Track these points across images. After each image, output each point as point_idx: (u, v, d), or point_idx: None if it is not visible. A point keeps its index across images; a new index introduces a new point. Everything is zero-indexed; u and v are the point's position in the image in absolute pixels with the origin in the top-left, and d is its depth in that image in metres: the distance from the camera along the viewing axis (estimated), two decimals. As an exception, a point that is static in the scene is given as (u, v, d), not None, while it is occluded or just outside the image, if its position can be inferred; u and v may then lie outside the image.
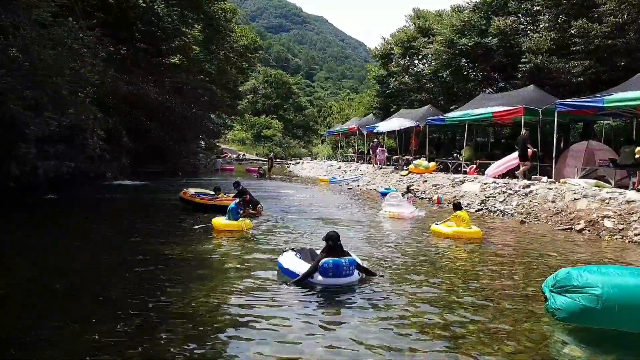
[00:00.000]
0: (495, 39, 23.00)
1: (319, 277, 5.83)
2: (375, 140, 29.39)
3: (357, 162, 32.90)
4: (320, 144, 60.29)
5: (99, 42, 13.29)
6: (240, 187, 12.59)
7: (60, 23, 10.83)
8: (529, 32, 22.33)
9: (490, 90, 26.83)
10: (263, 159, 44.38)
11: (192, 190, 13.45)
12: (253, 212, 11.91)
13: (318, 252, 6.25)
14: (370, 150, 28.33)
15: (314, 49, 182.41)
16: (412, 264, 7.40)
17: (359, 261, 6.31)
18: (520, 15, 23.81)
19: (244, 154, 48.78)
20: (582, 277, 4.67)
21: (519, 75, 21.77)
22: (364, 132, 31.58)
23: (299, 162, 47.03)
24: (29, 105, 9.65)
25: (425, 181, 19.69)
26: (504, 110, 17.25)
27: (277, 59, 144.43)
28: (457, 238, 9.66)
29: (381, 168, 25.93)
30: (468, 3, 26.31)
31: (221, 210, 11.90)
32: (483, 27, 24.08)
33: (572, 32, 18.72)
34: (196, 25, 30.08)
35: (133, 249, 7.90)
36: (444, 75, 27.77)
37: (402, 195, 14.26)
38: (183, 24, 28.53)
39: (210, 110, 35.90)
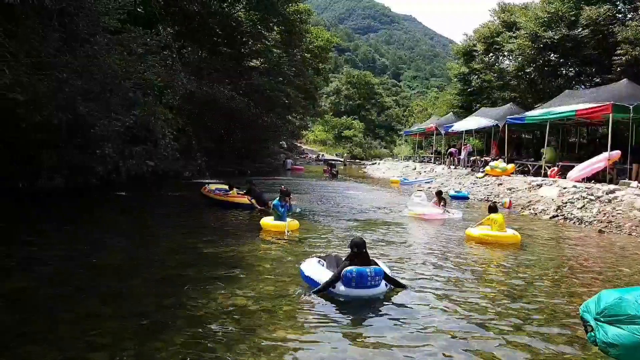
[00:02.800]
0: (586, 30, 21.03)
1: (341, 288, 5.37)
2: (454, 145, 28.46)
3: (434, 163, 31.88)
4: (402, 144, 59.27)
5: (169, 47, 14.11)
6: (251, 186, 13.20)
7: (128, 29, 11.75)
8: (628, 21, 20.18)
9: (583, 86, 24.61)
10: (339, 159, 44.49)
11: (212, 187, 13.93)
12: (262, 208, 12.16)
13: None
14: (451, 155, 27.41)
15: (402, 49, 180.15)
16: (444, 273, 6.87)
17: (388, 271, 5.83)
18: (618, 3, 21.59)
19: (323, 155, 49.33)
20: (640, 304, 3.75)
21: (616, 69, 19.73)
22: (442, 131, 30.50)
23: (375, 163, 46.57)
24: (96, 108, 10.51)
25: (501, 184, 18.56)
26: (589, 108, 15.71)
27: (363, 60, 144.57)
28: (493, 243, 9.10)
29: (455, 168, 24.97)
30: (556, -8, 24.32)
31: (233, 206, 12.79)
32: (572, 18, 22.13)
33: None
34: (275, 28, 30.93)
35: (170, 245, 8.16)
36: (529, 72, 25.91)
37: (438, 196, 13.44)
38: (264, 28, 29.55)
39: (287, 112, 36.71)
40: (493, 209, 9.81)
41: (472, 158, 25.51)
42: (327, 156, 52.88)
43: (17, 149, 11.21)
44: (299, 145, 58.78)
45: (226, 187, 13.92)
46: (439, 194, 13.56)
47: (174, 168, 18.34)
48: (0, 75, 8.36)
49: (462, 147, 27.30)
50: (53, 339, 4.11)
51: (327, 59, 42.76)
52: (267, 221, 9.76)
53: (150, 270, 6.48)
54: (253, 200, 12.61)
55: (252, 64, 32.46)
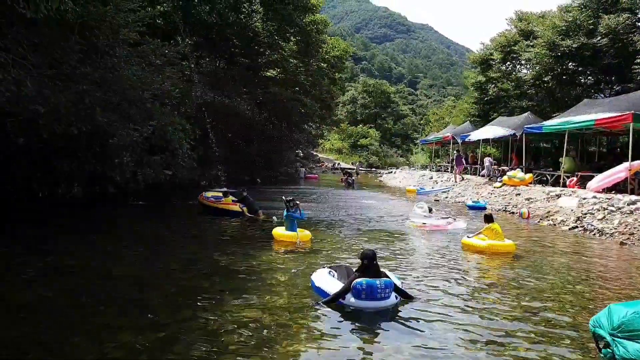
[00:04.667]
0: (605, 39, 20.74)
1: (351, 299, 5.41)
2: (456, 153, 28.17)
3: (450, 172, 31.61)
4: (419, 153, 58.97)
5: (187, 57, 14.31)
6: (245, 194, 13.79)
7: (147, 41, 11.98)
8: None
9: (602, 95, 24.22)
10: (351, 167, 44.43)
11: (209, 194, 14.15)
12: (252, 216, 12.99)
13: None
14: (455, 163, 27.07)
15: (418, 57, 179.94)
16: (451, 284, 6.84)
17: (398, 283, 5.85)
18: (638, 11, 21.26)
19: (338, 163, 49.33)
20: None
21: (635, 78, 19.42)
22: (459, 140, 30.25)
23: (391, 172, 46.38)
24: (115, 118, 10.72)
25: (519, 194, 18.30)
26: (609, 117, 15.40)
27: (379, 68, 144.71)
28: (490, 252, 9.25)
29: (462, 179, 24.85)
30: (574, 1, 24.06)
31: (223, 212, 13.20)
32: (591, 26, 21.85)
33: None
34: (292, 39, 31.18)
35: (185, 256, 8.25)
36: (547, 80, 25.60)
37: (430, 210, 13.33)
38: (281, 38, 29.82)
39: (303, 121, 36.87)
40: (489, 218, 9.94)
41: (494, 167, 25.20)
42: (343, 164, 52.81)
43: (37, 158, 11.46)
44: (315, 153, 58.87)
45: (220, 194, 14.18)
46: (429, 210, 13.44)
47: (190, 177, 18.54)
48: (22, 87, 8.58)
49: (485, 158, 27.01)
50: (69, 350, 4.18)
51: (343, 68, 42.86)
52: (279, 231, 9.79)
53: (166, 281, 6.55)
54: (244, 208, 13.21)
55: (269, 73, 32.71)
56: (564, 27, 22.98)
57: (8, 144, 10.15)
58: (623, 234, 11.63)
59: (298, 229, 9.60)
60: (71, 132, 10.02)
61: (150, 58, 11.90)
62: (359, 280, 5.39)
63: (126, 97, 11.12)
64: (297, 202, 10.05)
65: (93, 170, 12.37)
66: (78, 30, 10.72)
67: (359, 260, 5.73)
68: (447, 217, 13.05)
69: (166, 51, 12.67)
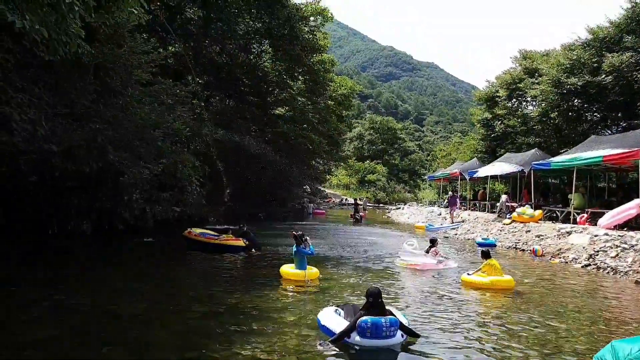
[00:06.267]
0: (610, 77, 20.98)
1: (356, 337, 5.37)
2: (450, 193, 28.33)
3: (459, 208, 31.48)
4: (427, 189, 58.91)
5: (197, 96, 14.61)
6: (245, 229, 13.94)
7: (159, 81, 12.32)
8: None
9: (609, 131, 24.30)
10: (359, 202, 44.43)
11: (197, 230, 13.86)
12: (253, 251, 13.26)
13: None
14: (449, 203, 27.06)
15: (424, 95, 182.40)
16: (457, 324, 6.73)
17: (404, 321, 5.79)
18: (640, 50, 21.55)
19: (346, 199, 49.35)
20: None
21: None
22: (467, 177, 30.27)
23: (399, 208, 46.20)
24: (126, 156, 10.90)
25: (529, 231, 18.10)
26: (617, 154, 15.42)
27: (386, 105, 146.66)
28: (492, 288, 9.33)
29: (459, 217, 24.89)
30: (577, 40, 24.50)
31: (224, 249, 13.01)
32: (595, 64, 22.15)
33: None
34: (300, 78, 31.88)
35: (193, 294, 8.18)
36: (553, 117, 25.77)
37: (431, 245, 12.88)
38: (289, 77, 30.52)
39: (311, 157, 37.19)
40: (487, 254, 10.04)
41: (498, 204, 25.08)
42: (351, 200, 52.73)
43: (48, 195, 11.60)
44: (322, 189, 59.00)
45: (210, 232, 14.10)
46: (432, 242, 13.12)
47: (199, 214, 18.60)
48: (38, 127, 8.79)
49: (502, 195, 26.85)
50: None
51: (350, 105, 43.50)
52: (287, 270, 9.72)
53: (174, 320, 6.49)
54: (247, 243, 13.32)
55: (278, 111, 33.29)
56: (568, 65, 23.30)
57: (21, 182, 10.31)
58: (637, 272, 11.41)
59: (307, 266, 9.54)
60: (83, 170, 10.17)
61: (161, 97, 12.22)
62: (364, 318, 5.37)
63: (137, 136, 11.34)
64: (307, 237, 9.99)
65: (102, 207, 12.47)
66: (93, 71, 11.06)
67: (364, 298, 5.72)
68: (441, 256, 12.67)
69: (177, 90, 13.00)
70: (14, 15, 5.65)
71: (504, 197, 24.83)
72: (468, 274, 10.03)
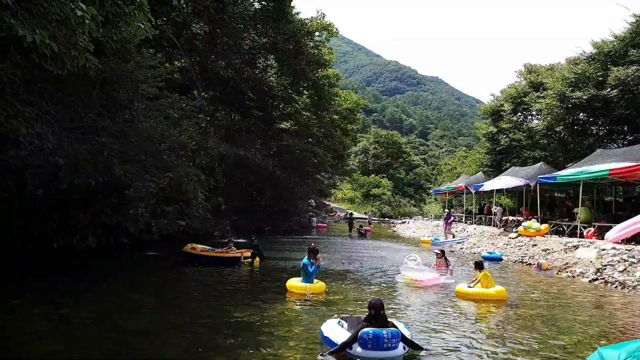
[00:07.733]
0: (615, 91, 20.96)
1: (358, 349, 5.41)
2: (446, 210, 28.35)
3: (465, 222, 31.35)
4: (432, 202, 58.70)
5: (203, 110, 14.71)
6: (256, 242, 14.47)
7: (165, 95, 12.44)
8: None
9: (615, 145, 24.19)
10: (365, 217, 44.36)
11: (199, 246, 14.00)
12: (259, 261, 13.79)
13: None
14: (444, 221, 27.03)
15: (428, 109, 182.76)
16: (461, 337, 6.72)
17: (406, 333, 5.80)
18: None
19: (351, 213, 49.19)
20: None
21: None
22: (472, 191, 30.20)
23: (405, 222, 45.99)
24: (132, 169, 10.94)
25: (535, 245, 17.96)
26: (623, 167, 15.35)
27: (390, 120, 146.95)
28: (481, 299, 9.58)
29: (454, 236, 25.10)
30: (581, 54, 24.54)
31: (230, 261, 13.42)
32: (600, 78, 22.15)
33: None
34: (305, 92, 32.07)
35: (198, 309, 8.14)
36: (559, 131, 25.71)
37: (439, 256, 12.82)
38: (294, 92, 30.73)
39: (316, 171, 37.26)
40: (480, 265, 10.44)
41: (504, 218, 25.00)
42: (356, 214, 52.56)
43: (53, 209, 11.63)
44: (327, 203, 58.87)
45: (208, 247, 14.25)
46: (441, 253, 13.03)
47: (204, 227, 18.59)
48: (44, 141, 8.85)
49: (491, 206, 26.86)
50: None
51: (355, 120, 43.66)
52: (292, 283, 9.77)
53: (178, 334, 6.45)
54: (257, 258, 13.80)
55: (283, 126, 33.46)
56: (573, 79, 23.29)
57: (27, 196, 10.35)
58: (646, 286, 11.28)
59: (315, 279, 9.65)
60: (89, 184, 10.21)
61: (167, 111, 12.32)
62: (365, 330, 5.42)
63: (143, 149, 11.41)
64: (320, 255, 10.03)
65: (108, 221, 12.48)
66: (99, 85, 11.17)
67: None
68: (445, 269, 12.57)
69: (183, 105, 13.11)
70: (24, 30, 5.74)
71: (498, 211, 24.84)
72: (469, 287, 10.09)
